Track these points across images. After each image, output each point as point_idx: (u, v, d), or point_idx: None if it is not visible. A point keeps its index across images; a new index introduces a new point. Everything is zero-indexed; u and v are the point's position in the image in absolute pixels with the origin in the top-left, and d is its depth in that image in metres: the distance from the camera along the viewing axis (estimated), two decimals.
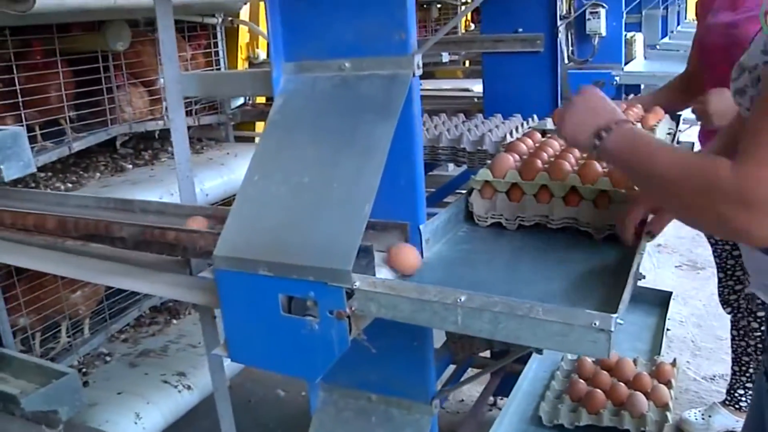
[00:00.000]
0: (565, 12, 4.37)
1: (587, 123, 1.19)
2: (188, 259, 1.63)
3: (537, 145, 1.71)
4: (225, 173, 2.84)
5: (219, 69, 3.09)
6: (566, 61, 4.18)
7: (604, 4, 4.02)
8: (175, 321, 3.17)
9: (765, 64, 1.05)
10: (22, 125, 2.38)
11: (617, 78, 3.92)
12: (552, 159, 1.59)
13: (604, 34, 4.05)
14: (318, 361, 1.22)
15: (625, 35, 4.33)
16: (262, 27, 3.23)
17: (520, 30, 2.48)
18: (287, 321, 1.21)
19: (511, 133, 1.96)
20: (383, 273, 1.27)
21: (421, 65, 1.31)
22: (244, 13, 3.22)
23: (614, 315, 0.97)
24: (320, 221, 1.19)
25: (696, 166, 1.00)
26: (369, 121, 1.27)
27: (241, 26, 3.23)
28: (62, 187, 2.68)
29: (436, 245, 1.46)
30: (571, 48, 4.24)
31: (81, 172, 2.84)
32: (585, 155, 1.60)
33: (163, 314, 3.22)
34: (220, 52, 3.10)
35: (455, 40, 3.52)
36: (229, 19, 3.12)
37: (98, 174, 2.84)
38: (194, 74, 2.14)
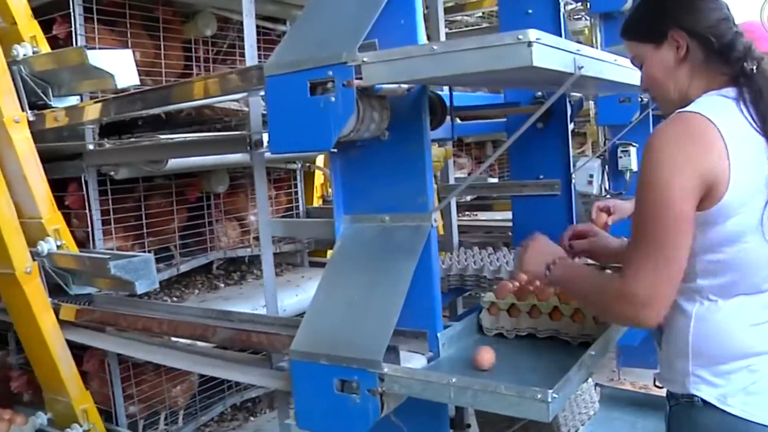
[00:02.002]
0: (600, 151, 4.89)
1: (539, 260, 1.71)
2: (270, 355, 2.20)
3: None
4: (300, 293, 3.40)
5: (298, 206, 3.75)
6: (602, 193, 4.68)
7: (635, 143, 4.51)
8: (252, 418, 3.71)
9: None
10: (145, 251, 3.06)
11: None
12: (544, 285, 2.11)
13: (635, 169, 4.52)
14: (358, 427, 1.72)
15: None
16: None
17: (541, 177, 3.02)
18: (339, 397, 1.74)
19: None
20: (410, 364, 1.80)
21: (437, 218, 1.88)
22: (320, 160, 3.89)
23: (550, 390, 1.46)
24: (362, 327, 1.75)
25: (603, 285, 1.54)
26: (398, 258, 1.84)
27: (316, 170, 3.92)
28: (168, 301, 3.32)
29: (452, 348, 1.97)
30: (606, 182, 4.72)
31: (183, 289, 3.48)
32: None
33: (242, 412, 3.77)
34: (299, 192, 3.78)
35: (491, 186, 4.10)
36: (308, 164, 3.82)
37: (196, 291, 3.47)
38: (280, 220, 2.78)
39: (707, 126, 1.40)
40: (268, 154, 3.12)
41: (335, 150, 1.92)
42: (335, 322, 1.81)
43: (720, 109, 1.43)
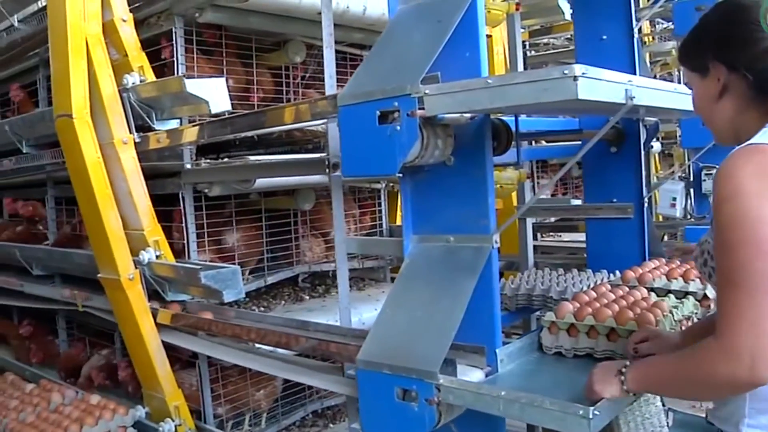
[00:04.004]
0: (684, 173, 4.83)
1: (607, 374, 1.59)
2: (342, 364, 2.35)
3: (596, 295, 2.30)
4: (379, 307, 3.50)
5: (381, 224, 3.92)
6: (686, 216, 4.63)
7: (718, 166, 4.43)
8: (332, 425, 3.88)
9: (713, 239, 1.46)
10: (236, 263, 3.29)
11: None
12: (602, 306, 2.18)
13: None
14: None
15: None
16: None
17: (615, 200, 3.07)
18: (400, 405, 1.87)
19: (588, 286, 2.55)
20: (468, 377, 1.92)
21: (498, 240, 1.98)
22: None
23: (592, 408, 1.55)
24: (422, 340, 1.88)
25: (693, 356, 1.39)
26: (460, 276, 1.96)
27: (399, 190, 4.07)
28: (256, 310, 3.53)
29: (511, 364, 2.07)
30: (690, 205, 4.66)
31: (270, 299, 3.69)
32: (628, 304, 2.18)
33: (322, 419, 3.94)
34: (383, 211, 3.96)
35: (566, 207, 4.12)
36: (391, 184, 3.98)
37: (283, 302, 3.68)
38: (355, 238, 2.95)
39: None
40: None
41: (401, 174, 2.06)
42: (398, 335, 1.95)
43: None
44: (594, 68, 1.59)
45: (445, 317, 1.88)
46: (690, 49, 1.57)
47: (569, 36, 5.43)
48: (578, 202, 5.08)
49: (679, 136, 5.13)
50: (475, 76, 1.95)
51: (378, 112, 1.85)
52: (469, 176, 2.01)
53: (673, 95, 2.06)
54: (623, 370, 1.56)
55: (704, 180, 4.45)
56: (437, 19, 1.94)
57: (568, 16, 4.46)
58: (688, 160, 4.91)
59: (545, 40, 5.34)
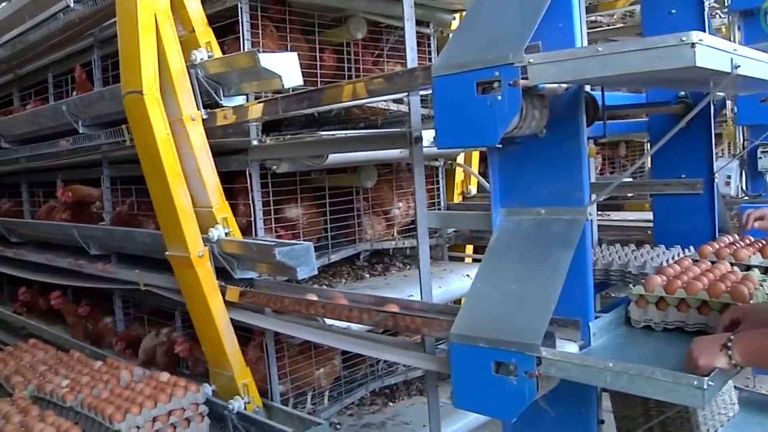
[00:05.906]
0: (738, 150, 4.78)
1: (711, 346, 1.60)
2: (423, 339, 2.34)
3: (682, 269, 2.27)
4: (442, 285, 3.50)
5: (439, 201, 3.91)
6: (740, 195, 4.57)
7: None
8: (391, 404, 3.89)
9: None
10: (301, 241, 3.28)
11: None
12: (691, 279, 2.16)
13: None
14: (513, 407, 1.84)
15: None
16: (474, 168, 4.03)
17: (683, 175, 3.03)
18: (495, 379, 1.86)
19: (667, 261, 2.52)
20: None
21: (593, 212, 1.97)
22: (460, 157, 4.02)
23: (706, 378, 1.53)
24: (520, 314, 1.86)
25: None
26: (555, 249, 1.94)
27: (457, 168, 4.07)
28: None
29: (602, 338, 2.06)
30: (744, 183, 4.59)
31: (330, 278, 3.69)
32: (717, 277, 2.16)
33: (382, 398, 3.95)
34: (441, 189, 3.94)
35: (633, 183, 4.09)
36: (449, 161, 3.96)
37: (343, 280, 3.67)
38: (437, 212, 2.94)
39: None
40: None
41: (499, 146, 2.04)
42: (493, 308, 1.94)
43: None
44: (707, 35, 1.56)
45: (543, 290, 1.87)
46: None
47: (613, 13, 5.37)
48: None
49: (732, 115, 5.07)
50: (568, 47, 1.93)
51: (476, 83, 1.83)
52: (562, 148, 1.99)
53: None
54: (729, 344, 1.55)
55: (760, 158, 4.38)
56: None
57: None
58: (742, 138, 4.84)
59: (592, 18, 5.28)
